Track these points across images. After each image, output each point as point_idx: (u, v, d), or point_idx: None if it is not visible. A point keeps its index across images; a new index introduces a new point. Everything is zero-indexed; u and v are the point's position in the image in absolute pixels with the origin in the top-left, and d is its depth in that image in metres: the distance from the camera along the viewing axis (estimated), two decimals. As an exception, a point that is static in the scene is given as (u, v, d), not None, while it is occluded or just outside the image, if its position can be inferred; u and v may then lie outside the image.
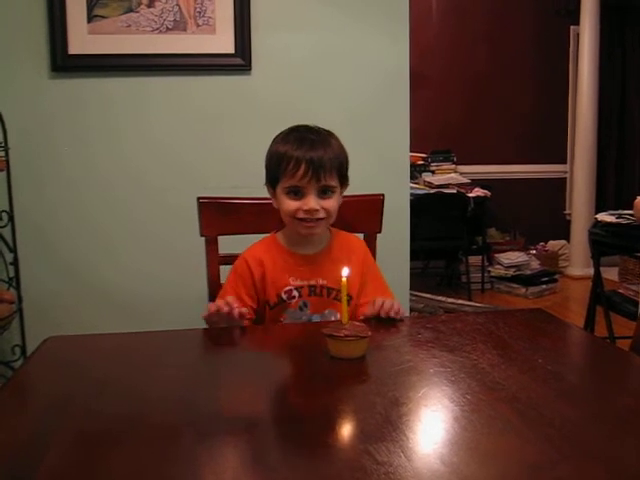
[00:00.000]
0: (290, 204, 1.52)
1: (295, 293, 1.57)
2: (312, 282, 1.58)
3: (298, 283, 1.58)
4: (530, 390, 1.04)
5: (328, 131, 1.58)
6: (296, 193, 1.51)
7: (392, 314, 1.43)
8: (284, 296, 1.56)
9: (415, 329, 1.36)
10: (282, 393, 1.11)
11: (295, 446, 0.90)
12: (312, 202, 1.50)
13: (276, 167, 1.53)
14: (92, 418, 0.99)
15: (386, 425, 0.93)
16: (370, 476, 0.78)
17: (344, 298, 1.21)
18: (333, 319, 1.55)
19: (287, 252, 1.60)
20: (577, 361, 1.26)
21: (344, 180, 1.58)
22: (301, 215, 1.51)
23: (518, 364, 1.16)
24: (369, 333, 1.19)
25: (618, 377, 1.19)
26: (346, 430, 0.93)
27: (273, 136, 1.57)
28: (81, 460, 0.86)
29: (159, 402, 1.05)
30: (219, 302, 1.42)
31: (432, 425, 0.95)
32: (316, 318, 1.57)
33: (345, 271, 1.24)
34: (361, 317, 1.48)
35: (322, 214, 1.52)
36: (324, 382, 1.12)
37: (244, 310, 1.44)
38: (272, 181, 1.56)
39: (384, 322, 1.42)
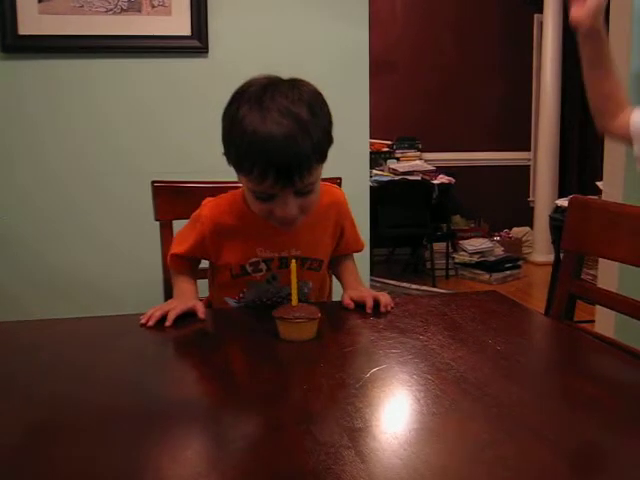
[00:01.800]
0: (259, 207, 1.26)
1: (263, 266, 1.37)
2: (284, 253, 1.37)
3: (268, 255, 1.37)
4: (478, 370, 1.04)
5: (303, 94, 1.21)
6: (266, 199, 1.23)
7: (383, 310, 1.33)
8: (249, 269, 1.38)
9: (368, 311, 1.35)
10: (230, 376, 1.09)
11: (238, 427, 0.88)
12: (289, 208, 1.22)
13: (237, 157, 1.21)
14: (34, 402, 0.96)
15: (331, 406, 0.92)
16: (310, 456, 0.77)
17: (294, 281, 1.19)
18: (306, 291, 1.44)
19: (256, 218, 1.31)
20: (527, 342, 1.26)
21: (326, 154, 1.24)
22: (274, 221, 1.27)
23: (468, 345, 1.16)
24: (319, 315, 1.18)
25: (567, 357, 1.20)
26: (290, 411, 0.92)
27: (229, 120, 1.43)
28: (21, 446, 0.83)
29: (106, 386, 1.03)
30: (157, 314, 1.28)
31: (378, 406, 0.94)
32: (286, 291, 1.35)
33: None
34: (347, 299, 1.36)
35: (300, 216, 1.26)
36: (273, 364, 1.11)
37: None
38: (232, 165, 1.25)
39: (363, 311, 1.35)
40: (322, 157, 1.23)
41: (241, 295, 1.44)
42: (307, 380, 1.05)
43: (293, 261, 1.20)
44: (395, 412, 0.93)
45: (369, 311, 1.33)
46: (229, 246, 1.38)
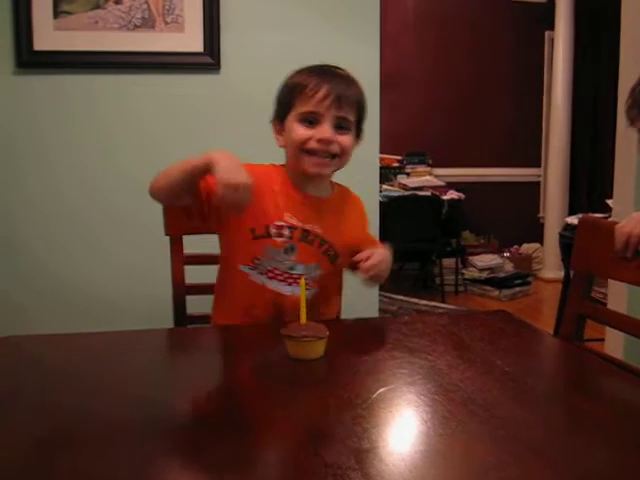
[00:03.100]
0: (302, 131, 1.38)
1: (286, 232, 1.42)
2: (308, 226, 1.44)
3: (294, 222, 1.43)
4: (486, 392, 1.04)
5: (350, 76, 1.47)
6: (310, 122, 1.38)
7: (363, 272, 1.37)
8: (273, 230, 1.42)
9: (376, 330, 1.35)
10: (238, 393, 1.10)
11: (244, 446, 0.88)
12: (328, 131, 1.36)
13: (290, 95, 1.40)
14: (42, 416, 0.97)
15: (338, 426, 0.92)
16: (317, 478, 0.77)
17: (302, 299, 1.20)
18: (318, 272, 1.46)
19: (292, 185, 1.46)
20: (536, 363, 1.26)
21: (360, 129, 1.47)
22: (312, 145, 1.37)
23: (476, 365, 1.16)
24: (327, 333, 1.18)
25: (576, 379, 1.19)
26: (297, 431, 0.92)
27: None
28: (28, 459, 0.84)
29: (115, 400, 1.04)
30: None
31: (385, 426, 0.94)
32: (300, 269, 1.44)
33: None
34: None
35: (336, 149, 1.38)
36: (280, 383, 1.11)
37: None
38: (283, 112, 1.43)
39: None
40: (360, 117, 1.45)
41: (256, 261, 1.44)
42: (315, 399, 1.05)
43: (302, 279, 1.21)
44: (402, 433, 0.93)
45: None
46: (262, 202, 1.41)
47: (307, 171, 1.40)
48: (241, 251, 1.45)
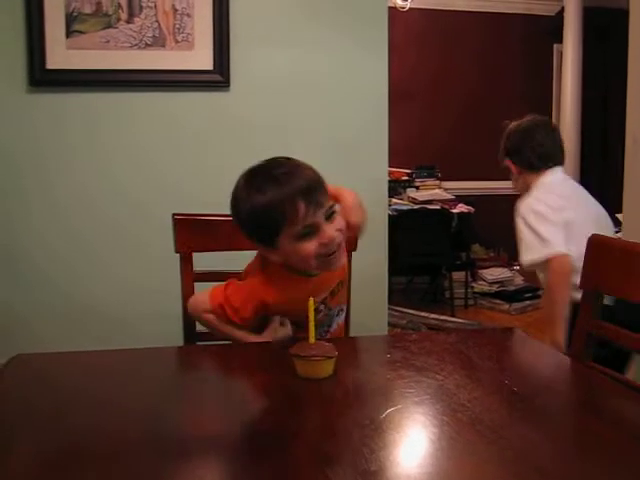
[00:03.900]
0: (309, 247, 1.34)
1: (321, 307, 1.47)
2: (324, 294, 1.49)
3: (320, 298, 1.46)
4: (494, 412, 1.04)
5: (287, 157, 1.41)
6: (308, 233, 1.33)
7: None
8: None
9: (385, 349, 1.36)
10: (246, 413, 1.10)
11: (252, 466, 0.89)
12: (329, 231, 1.34)
13: (270, 222, 1.33)
14: (52, 434, 0.98)
15: (346, 447, 0.93)
16: (324, 500, 0.78)
17: (311, 318, 1.20)
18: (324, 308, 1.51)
19: (298, 278, 1.44)
20: (544, 382, 1.25)
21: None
22: (322, 251, 1.35)
23: (484, 385, 1.16)
24: (336, 353, 1.18)
25: (585, 400, 1.19)
26: (305, 452, 0.92)
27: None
28: (38, 477, 0.85)
29: (124, 419, 1.04)
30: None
31: (393, 448, 0.94)
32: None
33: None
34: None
35: (339, 237, 1.36)
36: (288, 402, 1.11)
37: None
38: (269, 239, 1.37)
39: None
40: (324, 185, 1.37)
41: None
42: (323, 420, 1.06)
43: (311, 299, 1.21)
44: (410, 455, 0.93)
45: None
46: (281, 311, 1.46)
47: (329, 270, 1.41)
48: None
